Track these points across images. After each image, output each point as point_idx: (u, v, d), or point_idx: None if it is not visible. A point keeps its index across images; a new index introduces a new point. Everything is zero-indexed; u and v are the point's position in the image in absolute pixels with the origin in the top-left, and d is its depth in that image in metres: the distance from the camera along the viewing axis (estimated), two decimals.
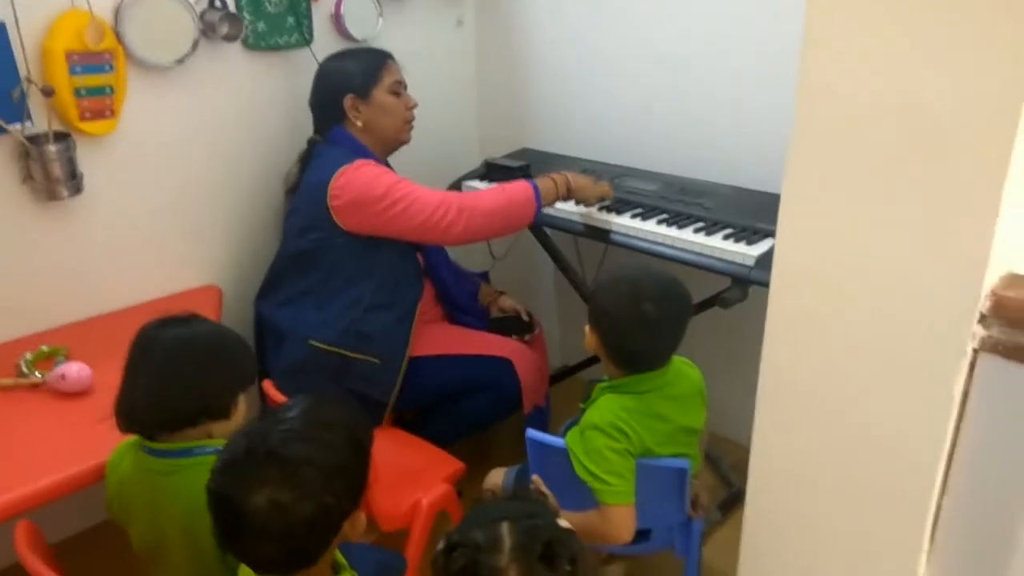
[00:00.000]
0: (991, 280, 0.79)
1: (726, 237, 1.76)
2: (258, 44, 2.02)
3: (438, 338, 1.96)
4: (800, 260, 0.95)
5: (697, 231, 1.81)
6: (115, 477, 1.30)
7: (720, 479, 2.16)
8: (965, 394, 0.83)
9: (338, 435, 1.05)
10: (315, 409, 1.06)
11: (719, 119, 2.06)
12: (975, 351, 0.81)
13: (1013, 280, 0.80)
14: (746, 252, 1.69)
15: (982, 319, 0.80)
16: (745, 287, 1.71)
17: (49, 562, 1.20)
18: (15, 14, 1.58)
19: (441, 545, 0.95)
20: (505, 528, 0.93)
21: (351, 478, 1.05)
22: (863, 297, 0.89)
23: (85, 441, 1.40)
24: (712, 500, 1.98)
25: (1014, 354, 0.78)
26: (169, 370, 1.21)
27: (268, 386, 1.65)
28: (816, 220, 0.92)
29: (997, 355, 0.80)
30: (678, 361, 1.53)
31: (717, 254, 1.73)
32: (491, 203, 1.83)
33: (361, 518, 1.06)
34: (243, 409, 1.29)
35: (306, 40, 2.10)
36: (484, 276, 2.37)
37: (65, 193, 1.71)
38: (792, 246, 0.96)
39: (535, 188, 1.85)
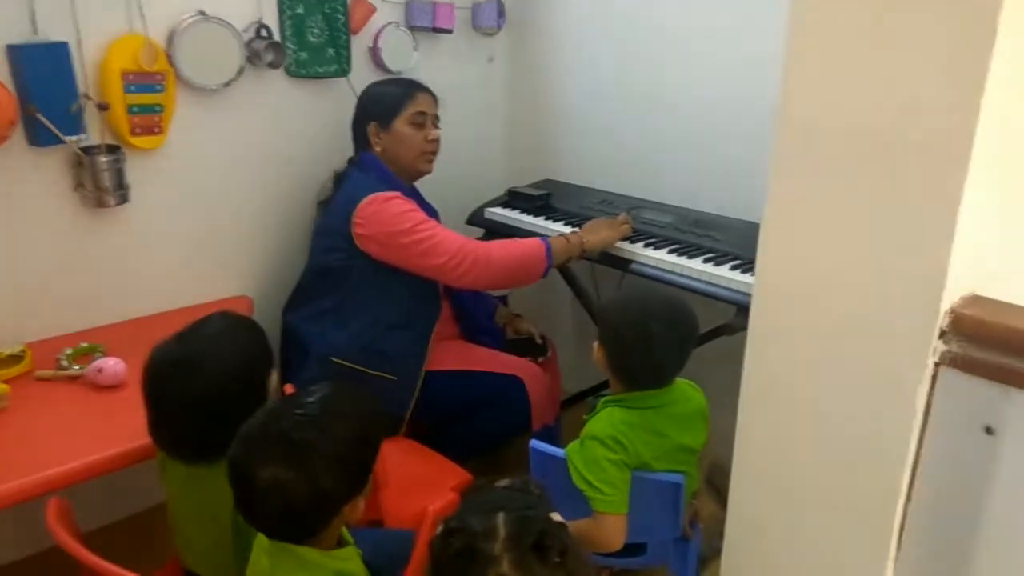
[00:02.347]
0: (951, 298, 0.85)
1: (733, 268, 1.83)
2: (299, 72, 2.15)
3: (452, 354, 2.04)
4: (777, 281, 1.03)
5: (706, 261, 1.88)
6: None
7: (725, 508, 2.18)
8: (928, 405, 0.89)
9: (348, 426, 1.12)
10: (332, 399, 1.15)
11: (733, 156, 2.13)
12: (936, 364, 0.87)
13: (973, 300, 0.86)
14: (752, 282, 1.75)
15: (942, 335, 0.85)
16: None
17: (78, 537, 1.28)
18: (78, 35, 1.72)
19: (440, 529, 1.01)
20: (500, 518, 0.99)
21: (353, 468, 1.12)
22: (834, 315, 0.96)
23: (116, 429, 1.49)
24: (719, 530, 2.01)
25: (971, 368, 0.84)
26: (200, 426, 1.24)
27: (289, 389, 1.74)
28: (791, 244, 1.00)
29: (956, 369, 0.85)
30: (683, 383, 1.58)
31: (724, 283, 1.80)
32: (505, 258, 1.91)
33: (360, 505, 1.13)
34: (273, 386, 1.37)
35: (344, 70, 2.23)
36: (503, 300, 2.45)
37: (112, 202, 1.83)
38: (770, 268, 1.04)
39: (547, 249, 1.93)
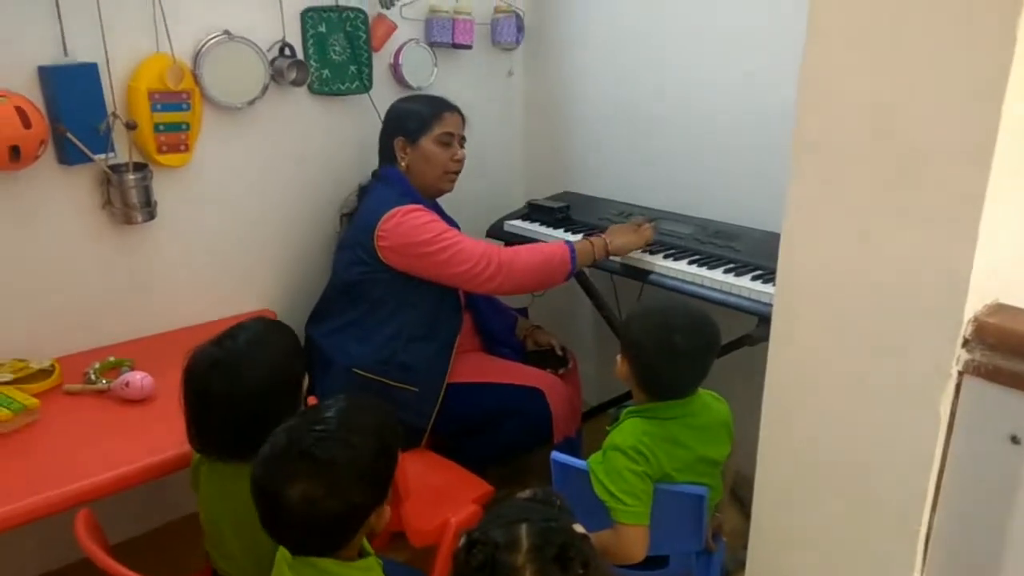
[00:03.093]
0: (974, 306, 0.85)
1: (755, 278, 1.82)
2: (322, 89, 2.18)
3: (474, 366, 2.05)
4: (798, 291, 1.02)
5: (727, 271, 1.87)
6: (196, 456, 1.40)
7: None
8: (952, 415, 0.88)
9: (367, 439, 1.13)
10: (349, 412, 1.16)
11: (753, 166, 2.13)
12: (960, 373, 0.86)
13: (996, 308, 0.85)
14: (773, 292, 1.74)
15: (966, 343, 0.85)
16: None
17: (106, 549, 1.30)
18: (107, 56, 1.76)
19: (462, 541, 1.02)
20: (523, 529, 0.99)
21: (377, 478, 1.13)
22: (856, 324, 0.95)
23: (143, 442, 1.51)
24: (742, 542, 1.99)
25: (996, 376, 0.83)
26: (240, 425, 1.26)
27: (313, 401, 1.75)
28: (811, 253, 0.99)
29: (980, 377, 0.85)
30: (705, 394, 1.57)
31: (745, 293, 1.79)
32: (529, 262, 1.92)
33: (386, 511, 1.14)
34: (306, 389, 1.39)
35: (366, 87, 2.25)
36: (523, 312, 2.46)
37: (140, 218, 1.87)
38: (791, 277, 1.03)
39: (572, 251, 1.93)
